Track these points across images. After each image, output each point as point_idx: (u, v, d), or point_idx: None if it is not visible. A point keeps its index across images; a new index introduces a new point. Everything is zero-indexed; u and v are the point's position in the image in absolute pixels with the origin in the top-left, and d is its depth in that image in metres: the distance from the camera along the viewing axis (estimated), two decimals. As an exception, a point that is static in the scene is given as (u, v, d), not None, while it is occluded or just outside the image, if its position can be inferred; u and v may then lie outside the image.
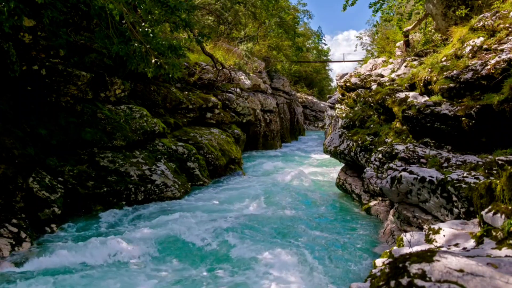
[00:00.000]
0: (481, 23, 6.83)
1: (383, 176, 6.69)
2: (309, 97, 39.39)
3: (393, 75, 10.35)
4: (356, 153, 9.10)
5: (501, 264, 2.18)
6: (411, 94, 7.63)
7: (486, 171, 4.82)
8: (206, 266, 5.08)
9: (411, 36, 12.75)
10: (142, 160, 8.48)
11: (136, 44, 6.64)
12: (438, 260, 2.12)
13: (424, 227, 4.77)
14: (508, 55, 5.70)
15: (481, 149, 5.79)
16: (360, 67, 16.93)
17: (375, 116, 9.51)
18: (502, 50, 5.97)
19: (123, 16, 6.62)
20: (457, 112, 5.97)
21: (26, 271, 4.59)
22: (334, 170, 12.86)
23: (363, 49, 25.91)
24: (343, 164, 10.77)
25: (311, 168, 13.60)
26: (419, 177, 5.15)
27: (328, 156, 12.09)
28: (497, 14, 6.70)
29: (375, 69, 13.26)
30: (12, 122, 6.60)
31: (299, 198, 8.83)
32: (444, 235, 3.51)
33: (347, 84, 12.93)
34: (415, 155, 6.22)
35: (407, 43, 12.53)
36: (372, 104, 9.55)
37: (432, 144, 6.62)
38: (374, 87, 10.67)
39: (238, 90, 16.68)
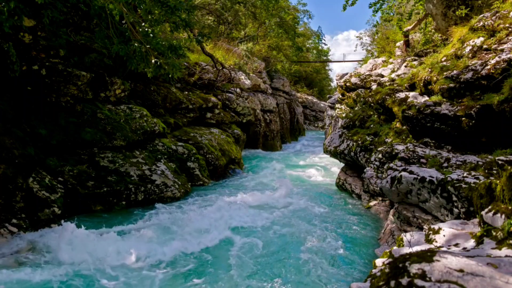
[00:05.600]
0: (481, 23, 6.83)
1: (383, 176, 6.69)
2: (309, 97, 39.38)
3: (393, 75, 10.36)
4: (356, 153, 9.11)
5: (501, 264, 2.18)
6: (411, 94, 7.63)
7: (486, 171, 4.82)
8: (210, 259, 5.09)
9: (411, 36, 12.76)
10: (142, 160, 8.48)
11: (136, 44, 6.64)
12: (438, 260, 2.12)
13: (424, 227, 4.76)
14: (508, 55, 5.70)
15: (481, 149, 5.79)
16: (360, 67, 16.92)
17: (375, 116, 9.51)
18: (502, 50, 5.97)
19: (123, 16, 6.62)
20: (457, 112, 5.97)
21: (26, 271, 4.59)
22: (334, 170, 12.86)
23: (363, 49, 25.90)
24: (343, 164, 10.78)
25: (311, 168, 13.60)
26: (419, 177, 5.15)
27: (328, 156, 12.10)
28: (497, 14, 6.70)
29: (375, 69, 13.25)
30: (12, 122, 6.60)
31: (299, 198, 8.83)
32: (444, 235, 3.51)
33: (347, 84, 12.94)
34: (415, 155, 6.22)
35: (407, 43, 12.54)
36: (372, 104, 9.56)
37: (432, 144, 6.62)
38: (374, 87, 10.67)
39: (238, 90, 16.68)
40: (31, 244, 5.34)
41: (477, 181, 4.38)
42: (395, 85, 8.98)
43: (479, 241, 3.02)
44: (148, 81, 11.03)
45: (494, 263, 2.19)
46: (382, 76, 11.41)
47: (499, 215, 2.95)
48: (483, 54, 6.30)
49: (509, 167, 3.15)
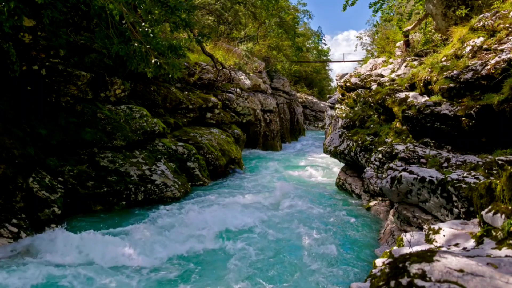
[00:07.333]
0: (481, 23, 6.83)
1: (383, 176, 6.69)
2: (309, 97, 39.37)
3: (393, 75, 10.36)
4: (356, 153, 9.11)
5: (501, 264, 2.18)
6: (411, 94, 7.63)
7: (486, 171, 4.82)
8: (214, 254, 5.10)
9: (411, 36, 12.75)
10: (142, 160, 8.48)
11: (136, 44, 6.64)
12: (438, 260, 2.12)
13: (424, 227, 4.77)
14: (508, 55, 5.70)
15: (481, 149, 5.79)
16: (360, 67, 16.91)
17: (375, 116, 9.51)
18: (502, 50, 5.97)
19: (123, 16, 6.62)
20: (457, 112, 5.97)
21: (25, 271, 4.59)
22: (334, 170, 12.85)
23: (363, 49, 25.87)
24: (343, 164, 10.78)
25: (310, 168, 13.59)
26: (419, 177, 5.15)
27: (328, 156, 12.10)
28: (497, 14, 6.70)
29: (375, 69, 13.25)
30: (12, 122, 6.60)
31: (299, 198, 8.82)
32: (444, 235, 3.51)
33: (347, 84, 12.94)
34: (415, 155, 6.22)
35: (407, 43, 12.53)
36: (372, 104, 9.56)
37: (432, 144, 6.62)
38: (374, 87, 10.67)
39: (238, 90, 16.68)
40: (28, 246, 5.33)
41: (477, 181, 4.38)
42: (395, 85, 8.98)
43: (479, 241, 3.02)
44: (148, 81, 11.03)
45: (494, 263, 2.19)
46: (382, 76, 11.41)
47: (499, 215, 2.95)
48: (483, 54, 6.30)
49: (509, 167, 3.15)
